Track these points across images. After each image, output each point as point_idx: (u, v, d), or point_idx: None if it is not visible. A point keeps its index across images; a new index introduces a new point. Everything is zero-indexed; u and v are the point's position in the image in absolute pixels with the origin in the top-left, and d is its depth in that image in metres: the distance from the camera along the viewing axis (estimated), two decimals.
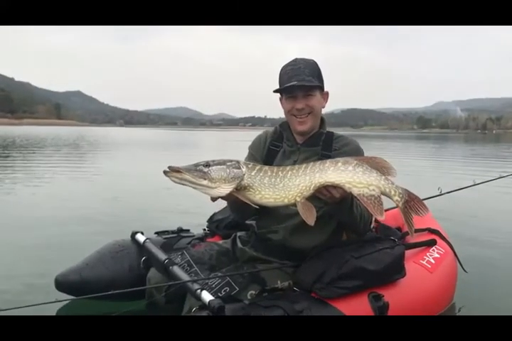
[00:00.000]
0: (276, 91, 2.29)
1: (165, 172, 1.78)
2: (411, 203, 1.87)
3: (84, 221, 5.00)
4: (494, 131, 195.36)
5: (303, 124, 2.28)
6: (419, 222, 3.10)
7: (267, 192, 1.84)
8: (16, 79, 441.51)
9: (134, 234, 2.80)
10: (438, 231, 2.96)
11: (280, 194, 1.84)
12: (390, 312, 2.17)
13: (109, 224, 4.77)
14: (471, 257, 3.54)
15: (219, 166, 1.82)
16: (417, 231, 2.93)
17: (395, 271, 2.28)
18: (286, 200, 1.85)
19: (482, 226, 5.21)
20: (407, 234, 2.99)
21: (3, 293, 2.87)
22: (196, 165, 1.83)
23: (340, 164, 1.83)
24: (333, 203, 1.96)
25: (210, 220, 3.08)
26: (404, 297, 2.30)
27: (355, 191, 1.80)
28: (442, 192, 3.66)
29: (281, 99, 2.37)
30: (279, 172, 1.89)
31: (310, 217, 1.83)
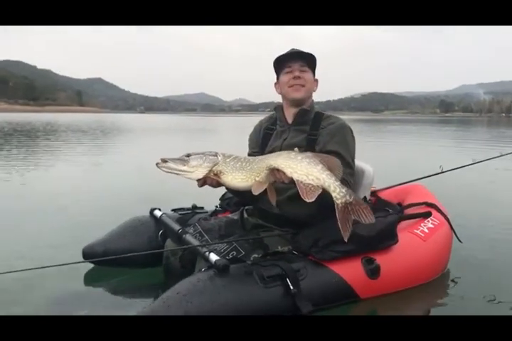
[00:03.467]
0: (275, 63, 2.62)
1: (156, 164, 2.08)
2: (355, 207, 1.95)
3: (106, 199, 5.41)
4: None
5: (298, 91, 2.56)
6: (417, 196, 3.30)
7: (237, 173, 2.10)
8: (39, 67, 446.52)
9: (152, 210, 3.07)
10: (435, 204, 3.11)
11: (247, 175, 2.08)
12: (382, 275, 2.40)
13: (130, 202, 5.09)
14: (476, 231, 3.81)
15: (197, 155, 2.11)
16: (414, 205, 3.16)
17: (387, 237, 2.48)
18: (249, 180, 2.09)
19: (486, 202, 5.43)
20: (406, 207, 3.18)
21: (35, 257, 3.16)
22: (181, 156, 2.13)
23: (293, 154, 2.03)
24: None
25: (222, 198, 3.34)
26: (396, 262, 2.51)
27: (295, 176, 1.98)
28: (443, 170, 3.80)
29: (276, 84, 2.69)
30: (251, 159, 2.14)
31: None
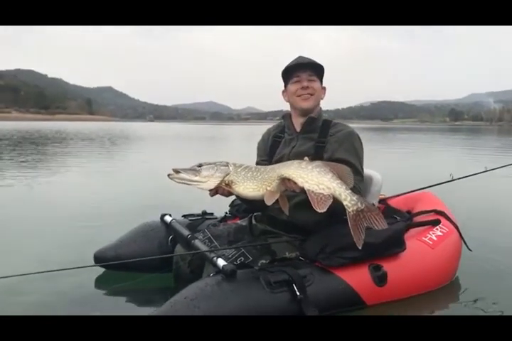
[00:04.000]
0: (284, 73, 2.65)
1: (168, 175, 2.12)
2: (367, 214, 1.96)
3: (117, 205, 5.51)
4: None
5: (307, 101, 2.58)
6: (426, 203, 3.30)
7: (248, 183, 2.13)
8: (49, 75, 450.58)
9: (162, 216, 3.11)
10: (444, 212, 3.11)
11: (258, 184, 2.11)
12: (389, 282, 2.40)
13: (141, 207, 5.16)
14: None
15: (209, 165, 2.14)
16: (423, 212, 3.15)
17: (394, 244, 2.49)
18: (261, 190, 2.11)
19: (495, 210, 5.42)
20: (415, 215, 3.18)
21: (48, 261, 3.19)
22: (192, 166, 2.16)
23: (304, 163, 2.05)
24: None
25: (232, 204, 3.37)
26: (403, 269, 2.51)
27: (306, 186, 1.99)
28: (454, 178, 3.80)
29: (283, 92, 2.71)
30: (261, 168, 2.16)
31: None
